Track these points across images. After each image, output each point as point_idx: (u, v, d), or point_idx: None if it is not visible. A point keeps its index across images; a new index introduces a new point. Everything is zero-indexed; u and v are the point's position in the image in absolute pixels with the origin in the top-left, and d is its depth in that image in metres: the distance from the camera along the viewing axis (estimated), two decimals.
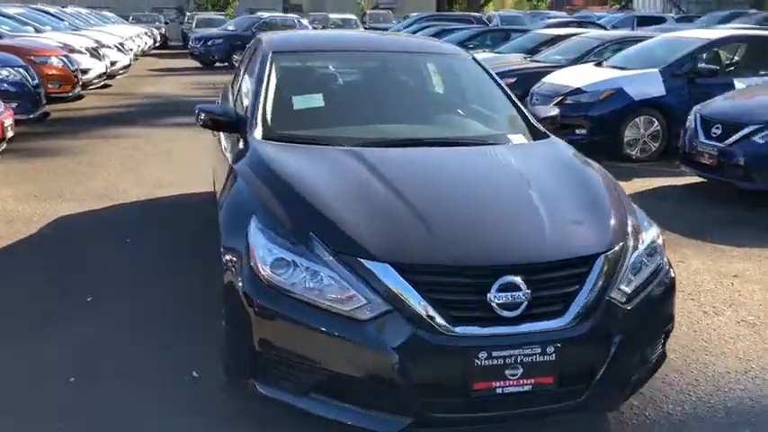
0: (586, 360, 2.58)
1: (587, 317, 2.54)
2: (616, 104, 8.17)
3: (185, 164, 7.59)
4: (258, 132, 3.55)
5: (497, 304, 2.47)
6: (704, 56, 8.74)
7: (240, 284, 2.70)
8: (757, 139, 6.20)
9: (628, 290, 2.66)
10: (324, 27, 23.81)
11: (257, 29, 18.74)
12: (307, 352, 2.56)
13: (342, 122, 3.84)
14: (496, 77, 4.23)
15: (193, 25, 26.75)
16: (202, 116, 3.75)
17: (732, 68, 9.07)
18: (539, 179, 3.15)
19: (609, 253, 2.68)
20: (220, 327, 2.97)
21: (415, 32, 18.28)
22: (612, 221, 2.86)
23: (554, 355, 2.48)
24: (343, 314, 2.48)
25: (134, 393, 3.12)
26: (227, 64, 19.16)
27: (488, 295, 2.47)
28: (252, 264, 2.67)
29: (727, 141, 6.33)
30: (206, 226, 4.39)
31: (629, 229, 2.86)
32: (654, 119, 8.23)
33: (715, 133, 6.49)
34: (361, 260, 2.53)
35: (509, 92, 4.13)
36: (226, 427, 2.92)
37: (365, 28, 26.99)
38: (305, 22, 22.93)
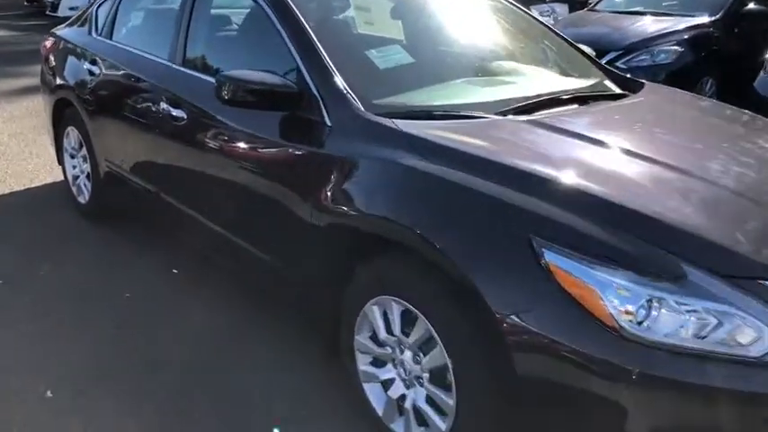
0: None
1: None
2: None
3: None
4: (360, 106, 2.44)
5: None
6: None
7: (583, 351, 1.78)
8: None
9: None
10: None
11: None
12: (704, 426, 1.79)
13: (445, 79, 2.84)
14: (540, 19, 3.56)
15: None
16: (233, 88, 2.45)
17: None
18: (741, 127, 2.91)
19: None
20: None
21: None
22: None
23: None
24: (751, 360, 1.76)
25: None
26: None
27: None
28: (600, 314, 1.77)
29: None
30: None
31: None
32: None
33: None
34: (763, 282, 1.82)
35: (562, 34, 3.51)
36: None
37: None
38: None
